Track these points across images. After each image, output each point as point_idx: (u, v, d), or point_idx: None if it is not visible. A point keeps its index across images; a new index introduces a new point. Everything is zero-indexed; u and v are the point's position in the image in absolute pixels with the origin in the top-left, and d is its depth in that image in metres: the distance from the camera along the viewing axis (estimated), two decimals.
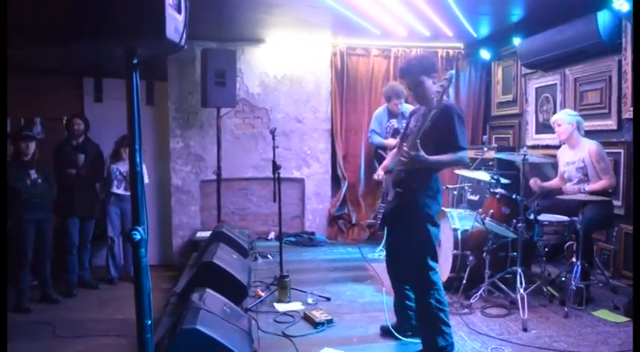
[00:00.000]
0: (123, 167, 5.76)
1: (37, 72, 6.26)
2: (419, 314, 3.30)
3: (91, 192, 5.67)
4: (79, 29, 1.67)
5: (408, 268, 3.31)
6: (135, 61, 1.85)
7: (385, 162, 3.78)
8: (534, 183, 4.76)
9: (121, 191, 5.80)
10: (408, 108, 5.83)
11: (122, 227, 5.88)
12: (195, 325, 2.77)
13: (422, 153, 3.02)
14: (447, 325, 3.21)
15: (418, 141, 3.02)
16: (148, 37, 1.70)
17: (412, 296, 3.48)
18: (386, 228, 3.62)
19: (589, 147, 4.42)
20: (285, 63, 6.88)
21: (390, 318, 3.68)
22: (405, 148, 3.10)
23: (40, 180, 5.02)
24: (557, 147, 4.93)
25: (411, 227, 3.24)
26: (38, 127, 6.54)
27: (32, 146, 5.01)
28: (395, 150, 3.57)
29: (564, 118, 4.54)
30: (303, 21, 5.86)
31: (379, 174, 3.75)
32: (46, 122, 6.60)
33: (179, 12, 1.82)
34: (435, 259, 3.26)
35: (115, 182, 5.81)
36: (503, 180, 4.53)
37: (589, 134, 4.68)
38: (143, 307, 1.95)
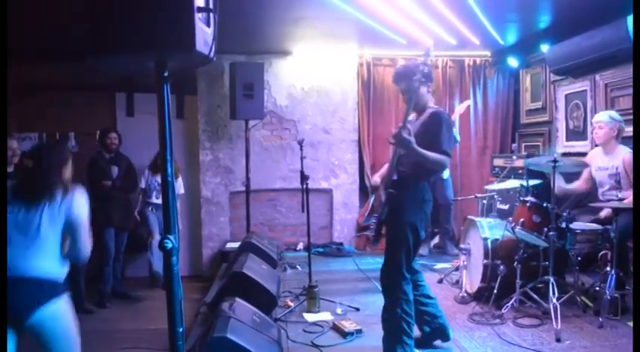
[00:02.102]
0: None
1: (71, 88, 6.45)
2: (384, 320, 3.31)
3: (125, 203, 5.82)
4: (113, 42, 1.73)
5: (383, 271, 3.32)
6: (165, 74, 1.91)
7: (382, 170, 3.75)
8: (559, 188, 4.63)
9: (160, 201, 5.95)
10: None
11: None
12: (225, 333, 2.80)
13: (413, 139, 3.05)
14: (410, 337, 3.21)
15: (409, 126, 3.11)
16: (179, 50, 1.75)
17: (425, 301, 3.47)
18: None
19: (623, 155, 4.33)
20: (312, 75, 6.94)
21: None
22: (395, 129, 3.14)
23: None
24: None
25: (392, 232, 3.27)
26: (72, 141, 6.72)
27: None
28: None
29: (607, 121, 4.41)
30: (330, 33, 5.91)
31: (375, 180, 3.72)
32: (79, 136, 6.78)
33: (208, 25, 1.87)
34: (409, 269, 3.26)
35: (155, 192, 6.08)
36: (532, 182, 4.42)
37: (621, 140, 4.59)
38: (175, 315, 1.98)
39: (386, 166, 3.71)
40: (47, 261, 2.51)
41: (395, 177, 3.24)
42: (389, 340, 3.25)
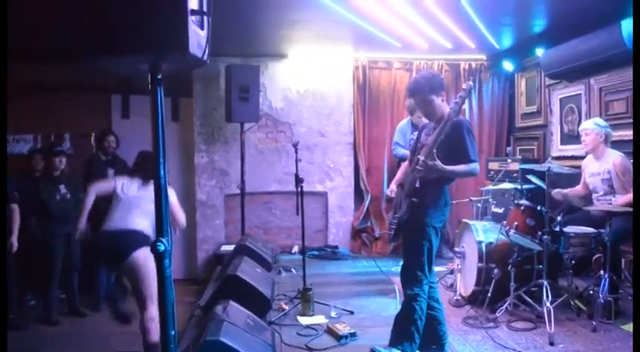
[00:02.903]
0: None
1: (67, 89, 6.43)
2: (400, 314, 3.39)
3: None
4: (108, 43, 1.74)
5: (405, 271, 3.39)
6: (159, 76, 1.91)
7: (397, 177, 3.80)
8: (558, 193, 4.66)
9: None
10: None
11: None
12: (218, 337, 2.80)
13: (438, 162, 3.14)
14: (419, 336, 3.30)
15: (435, 151, 3.14)
16: (172, 52, 1.75)
17: (434, 305, 3.49)
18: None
19: (613, 158, 4.35)
20: (308, 77, 6.94)
21: None
22: (421, 158, 3.20)
23: (68, 195, 5.14)
24: (583, 157, 4.86)
25: (414, 234, 3.34)
26: (67, 143, 6.69)
27: (64, 161, 5.17)
28: (406, 165, 3.62)
29: (592, 128, 4.46)
30: (325, 36, 5.92)
31: (392, 189, 3.77)
32: (74, 138, 6.75)
33: (202, 28, 1.87)
34: (430, 270, 3.37)
35: None
36: (532, 180, 4.42)
37: (615, 144, 4.61)
38: (167, 318, 1.98)
39: (400, 173, 3.75)
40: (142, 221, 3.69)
41: (417, 185, 3.29)
42: (399, 335, 3.32)
